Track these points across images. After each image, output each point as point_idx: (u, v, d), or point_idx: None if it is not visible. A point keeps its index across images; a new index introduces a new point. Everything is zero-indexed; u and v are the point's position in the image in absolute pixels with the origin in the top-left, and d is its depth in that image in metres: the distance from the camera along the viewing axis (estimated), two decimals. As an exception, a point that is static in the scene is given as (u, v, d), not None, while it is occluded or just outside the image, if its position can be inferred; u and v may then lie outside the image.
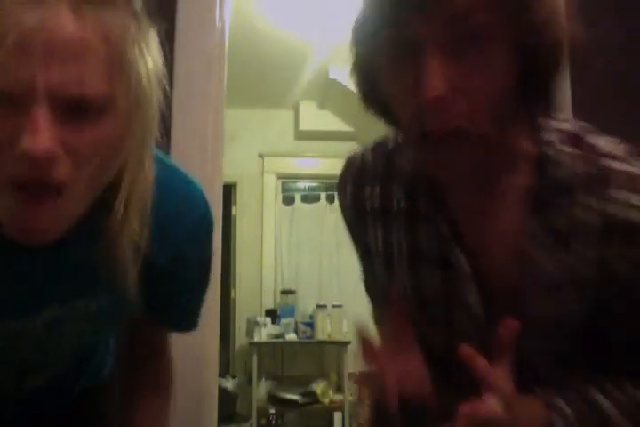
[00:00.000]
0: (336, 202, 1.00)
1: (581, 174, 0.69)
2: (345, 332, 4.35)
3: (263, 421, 4.34)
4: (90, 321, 0.83)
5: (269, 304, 4.72)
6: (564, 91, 1.79)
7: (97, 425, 1.03)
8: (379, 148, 0.88)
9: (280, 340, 4.43)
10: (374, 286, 0.94)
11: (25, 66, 0.59)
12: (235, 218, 4.90)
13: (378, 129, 1.11)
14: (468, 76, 0.63)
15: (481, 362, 0.64)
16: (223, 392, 3.55)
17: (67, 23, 0.61)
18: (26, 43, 0.59)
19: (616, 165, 0.69)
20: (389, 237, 0.83)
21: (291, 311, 4.60)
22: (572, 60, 0.72)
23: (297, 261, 4.93)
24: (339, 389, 4.47)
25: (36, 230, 0.66)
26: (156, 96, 0.71)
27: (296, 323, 4.52)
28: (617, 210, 0.67)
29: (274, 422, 4.34)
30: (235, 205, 4.93)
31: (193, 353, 1.60)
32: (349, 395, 4.29)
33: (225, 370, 4.42)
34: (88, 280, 0.78)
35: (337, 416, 4.33)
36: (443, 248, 0.78)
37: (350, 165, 0.90)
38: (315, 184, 5.12)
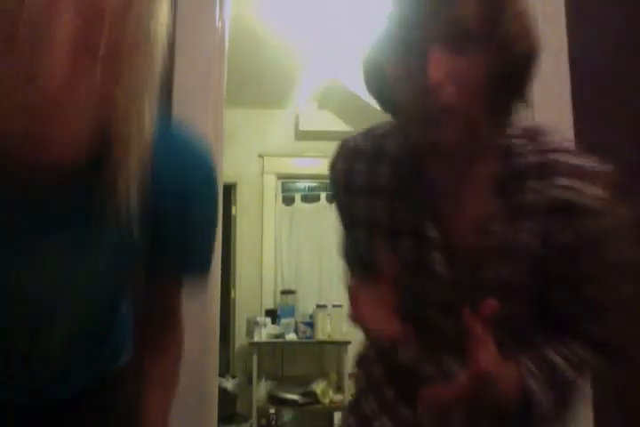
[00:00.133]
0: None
1: (535, 165, 0.85)
2: (345, 332, 4.35)
3: (263, 421, 4.34)
4: (98, 266, 0.84)
5: (269, 304, 4.73)
6: (565, 93, 1.79)
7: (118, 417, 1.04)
8: (369, 133, 1.02)
9: (280, 340, 4.43)
10: (353, 253, 1.07)
11: None
12: (235, 218, 4.91)
13: None
14: (458, 68, 0.78)
15: (478, 325, 0.77)
16: (223, 392, 3.56)
17: None
18: None
19: (561, 157, 0.85)
20: (372, 208, 0.97)
21: (291, 311, 4.60)
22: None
23: (297, 261, 4.94)
24: (339, 389, 4.48)
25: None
26: (157, 47, 0.74)
27: (296, 323, 4.52)
28: (559, 193, 0.83)
29: (274, 422, 4.34)
30: (235, 205, 4.93)
31: (193, 353, 1.60)
32: (349, 395, 4.29)
33: (225, 370, 4.42)
34: (91, 223, 0.80)
35: (337, 416, 4.33)
36: (416, 220, 0.92)
37: (343, 145, 1.03)
38: (315, 184, 5.12)
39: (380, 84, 0.90)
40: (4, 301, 0.82)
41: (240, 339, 4.67)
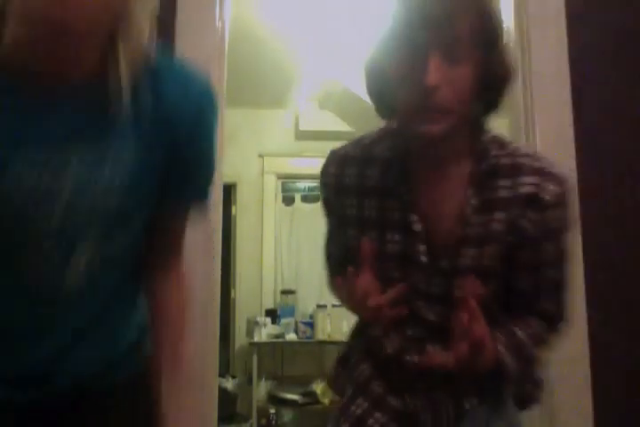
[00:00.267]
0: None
1: (506, 166, 1.03)
2: (345, 332, 4.34)
3: (263, 421, 4.34)
4: (112, 181, 0.87)
5: (269, 304, 4.73)
6: (565, 93, 1.79)
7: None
8: (358, 142, 1.15)
9: (280, 340, 4.43)
10: (337, 251, 1.23)
11: None
12: (235, 218, 4.90)
13: (377, 128, 1.13)
14: (452, 75, 0.94)
15: (472, 300, 0.93)
16: (223, 392, 3.55)
17: None
18: None
19: (526, 160, 1.03)
20: (362, 207, 1.10)
21: (291, 311, 4.60)
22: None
23: (297, 261, 4.94)
24: (339, 389, 4.47)
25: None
26: None
27: (296, 323, 4.52)
28: (523, 189, 1.01)
29: (274, 422, 4.34)
30: (235, 205, 4.93)
31: (193, 353, 1.60)
32: (349, 395, 4.28)
33: (225, 370, 4.42)
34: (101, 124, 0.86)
35: (337, 416, 4.33)
36: (403, 214, 1.05)
37: (334, 153, 1.16)
38: (315, 184, 5.11)
39: (380, 87, 1.03)
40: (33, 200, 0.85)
41: (240, 339, 4.66)
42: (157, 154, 0.91)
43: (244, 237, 4.85)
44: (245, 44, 3.46)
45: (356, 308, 1.07)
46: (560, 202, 1.01)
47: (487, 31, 0.97)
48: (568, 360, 1.65)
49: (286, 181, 5.10)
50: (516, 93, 1.80)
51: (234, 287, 4.80)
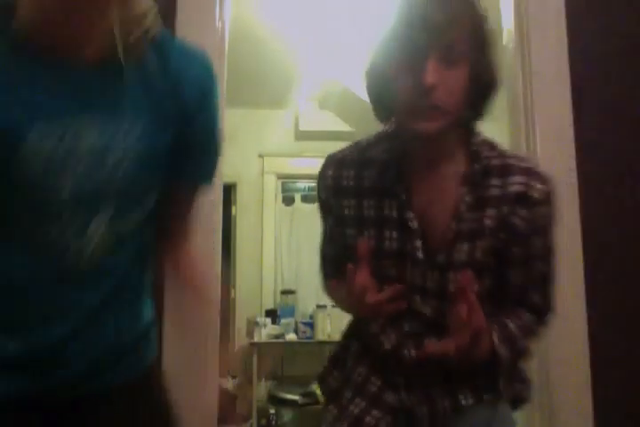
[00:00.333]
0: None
1: (497, 166, 1.09)
2: (345, 332, 4.34)
3: (263, 421, 4.34)
4: (128, 147, 0.90)
5: (269, 304, 4.73)
6: (565, 93, 1.79)
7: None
8: (354, 146, 1.19)
9: (280, 340, 4.43)
10: (336, 249, 1.24)
11: None
12: (235, 218, 4.90)
13: (377, 129, 1.15)
14: (448, 78, 1.00)
15: (471, 292, 0.98)
16: (223, 392, 3.55)
17: None
18: None
19: (515, 161, 1.10)
20: (361, 207, 1.14)
21: (291, 311, 4.60)
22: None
23: (297, 261, 4.94)
24: (339, 389, 4.47)
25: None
26: None
27: (296, 323, 4.52)
28: (512, 187, 1.07)
29: (274, 422, 4.34)
30: (235, 205, 4.93)
31: (193, 353, 1.60)
32: (349, 395, 4.28)
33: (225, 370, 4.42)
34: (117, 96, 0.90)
35: (337, 416, 4.33)
36: (400, 213, 1.10)
37: (332, 156, 1.21)
38: (315, 184, 5.10)
39: (379, 89, 1.07)
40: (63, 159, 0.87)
41: (240, 339, 4.67)
42: (168, 126, 0.94)
43: (244, 237, 4.86)
44: (245, 44, 3.46)
45: (355, 304, 1.09)
46: (547, 199, 1.08)
47: (479, 37, 1.04)
48: (568, 360, 1.65)
49: (286, 181, 5.10)
50: (516, 93, 1.80)
51: (234, 287, 4.80)
